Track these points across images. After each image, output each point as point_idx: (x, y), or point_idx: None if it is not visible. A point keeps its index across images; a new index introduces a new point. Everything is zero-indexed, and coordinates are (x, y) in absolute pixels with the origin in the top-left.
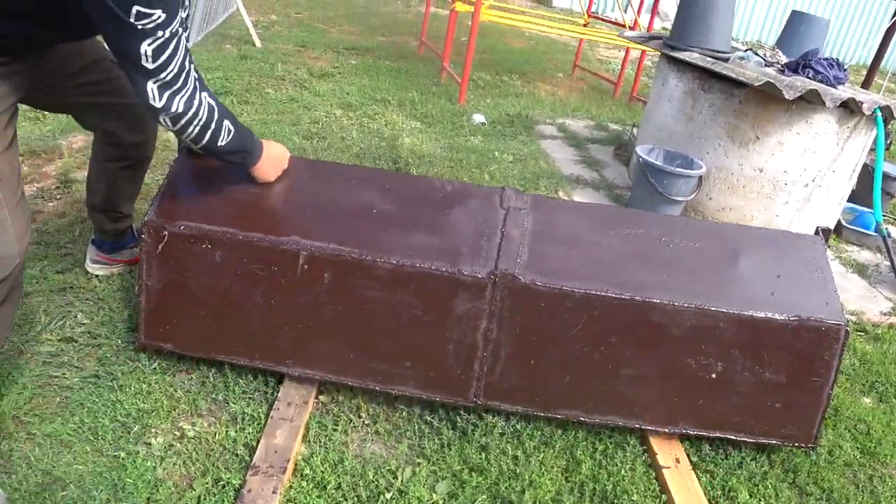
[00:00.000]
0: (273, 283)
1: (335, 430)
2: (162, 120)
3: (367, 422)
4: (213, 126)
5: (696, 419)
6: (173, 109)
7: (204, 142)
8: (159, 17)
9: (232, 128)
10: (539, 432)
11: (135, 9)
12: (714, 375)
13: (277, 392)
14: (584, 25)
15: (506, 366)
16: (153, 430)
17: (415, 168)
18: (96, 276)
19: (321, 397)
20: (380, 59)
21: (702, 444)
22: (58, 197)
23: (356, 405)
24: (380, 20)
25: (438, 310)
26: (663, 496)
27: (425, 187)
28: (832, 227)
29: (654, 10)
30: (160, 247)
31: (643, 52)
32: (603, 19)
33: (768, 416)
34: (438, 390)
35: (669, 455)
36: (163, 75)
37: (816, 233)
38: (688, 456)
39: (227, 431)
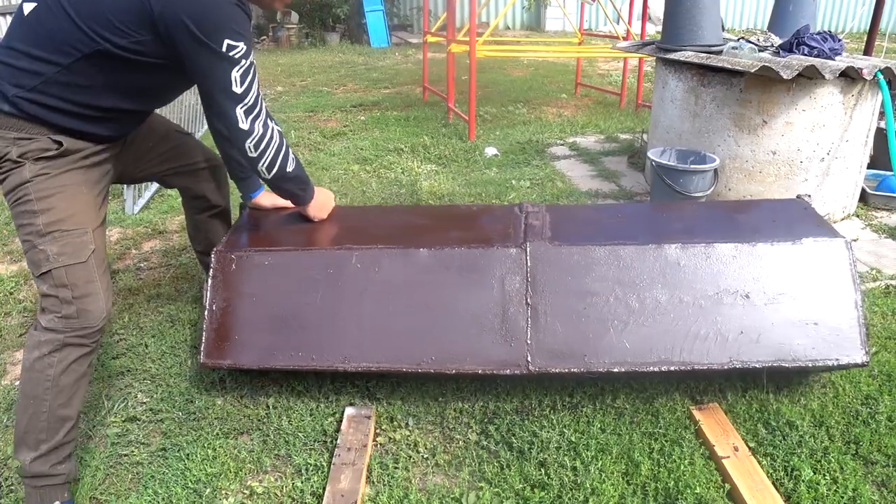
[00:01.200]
0: (328, 286)
1: (396, 467)
2: (247, 145)
3: (425, 455)
4: (283, 151)
5: (743, 350)
6: (256, 132)
7: (276, 168)
8: (242, 48)
9: (294, 157)
10: (594, 440)
11: (225, 42)
12: (742, 304)
13: (336, 440)
14: (579, 44)
15: (550, 327)
16: (223, 492)
17: None
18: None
19: (378, 439)
20: (387, 111)
21: (758, 428)
22: None
23: (413, 441)
24: (381, 73)
25: (480, 285)
26: (726, 485)
27: (453, 209)
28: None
29: (644, 16)
30: (225, 271)
31: (641, 58)
32: (596, 34)
33: (811, 336)
34: (491, 363)
35: (727, 444)
36: (247, 99)
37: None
38: (745, 442)
39: (293, 483)
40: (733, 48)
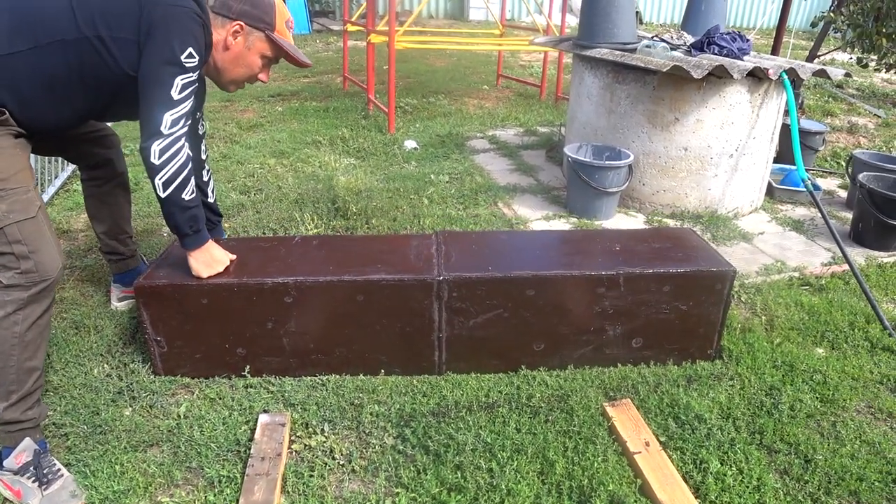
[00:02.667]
0: (259, 312)
1: (311, 476)
2: (154, 147)
3: (341, 462)
4: (184, 173)
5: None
6: (168, 140)
7: (172, 188)
8: (196, 61)
9: (195, 192)
10: (510, 441)
11: (188, 49)
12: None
13: (250, 449)
14: (500, 35)
15: (458, 339)
16: None
17: (354, 205)
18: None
19: (293, 447)
20: (306, 102)
21: (668, 422)
22: None
23: (329, 447)
24: None
25: (401, 307)
26: (638, 481)
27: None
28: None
29: (565, 7)
30: (155, 303)
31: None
32: (517, 26)
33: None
34: (412, 368)
35: (639, 440)
36: (180, 107)
37: None
38: (656, 437)
39: (205, 497)
40: (647, 47)
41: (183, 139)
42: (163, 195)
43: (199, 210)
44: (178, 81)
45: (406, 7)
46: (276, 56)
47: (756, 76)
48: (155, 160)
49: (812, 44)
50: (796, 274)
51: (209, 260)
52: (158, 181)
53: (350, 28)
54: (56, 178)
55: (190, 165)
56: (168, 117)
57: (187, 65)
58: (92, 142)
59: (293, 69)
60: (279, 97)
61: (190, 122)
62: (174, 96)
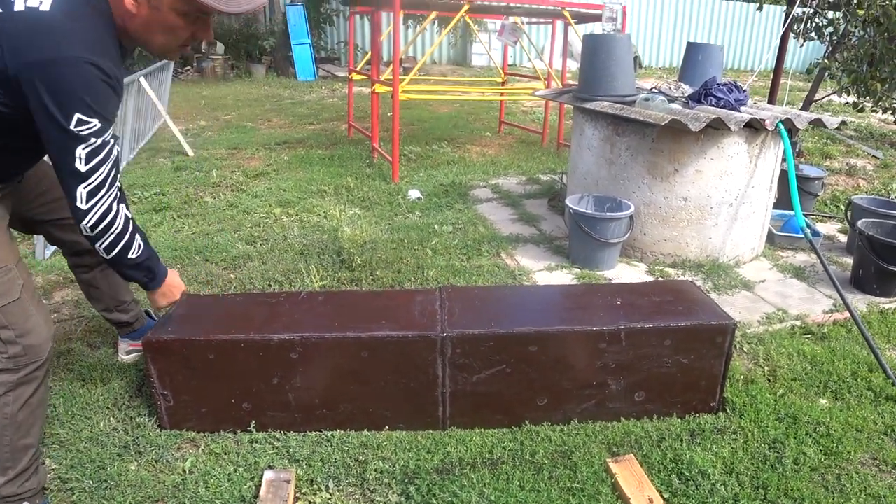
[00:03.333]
0: (266, 367)
1: None
2: (83, 226)
3: None
4: (126, 237)
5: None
6: (94, 214)
7: (115, 252)
8: (95, 125)
9: (143, 244)
10: (514, 499)
11: (76, 116)
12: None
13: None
14: (502, 83)
15: (462, 394)
16: None
17: (358, 256)
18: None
19: (298, 503)
20: (312, 149)
21: (672, 478)
22: None
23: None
24: (307, 108)
25: (405, 363)
26: None
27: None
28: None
29: (565, 54)
30: (163, 357)
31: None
32: (519, 74)
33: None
34: (416, 424)
35: (642, 497)
36: (92, 179)
37: None
38: (660, 493)
39: None
40: (645, 99)
41: (111, 204)
42: (108, 258)
43: (150, 257)
44: (80, 153)
45: (410, 54)
46: (194, 7)
47: (753, 127)
48: (89, 233)
49: (809, 85)
50: (798, 322)
51: (167, 293)
52: (99, 247)
53: (355, 77)
54: None
55: (130, 227)
56: (83, 191)
57: (82, 133)
58: (62, 228)
59: (299, 116)
60: (285, 144)
61: (115, 181)
62: (80, 168)
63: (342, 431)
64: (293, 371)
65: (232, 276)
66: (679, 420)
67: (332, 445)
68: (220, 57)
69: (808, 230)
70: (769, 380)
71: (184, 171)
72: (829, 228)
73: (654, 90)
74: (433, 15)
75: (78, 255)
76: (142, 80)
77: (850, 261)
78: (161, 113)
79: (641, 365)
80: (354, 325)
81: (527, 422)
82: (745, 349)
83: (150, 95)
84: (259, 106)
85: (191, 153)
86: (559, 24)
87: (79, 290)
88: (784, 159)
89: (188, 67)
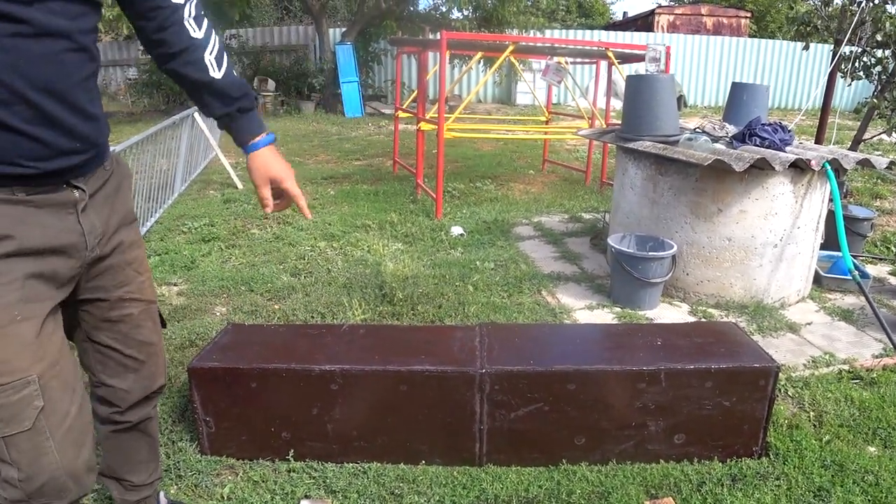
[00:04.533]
0: (306, 398)
1: None
2: (194, 17)
3: None
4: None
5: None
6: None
7: (225, 63)
8: None
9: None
10: None
11: None
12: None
13: None
14: (546, 122)
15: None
16: None
17: (400, 291)
18: None
19: None
20: (357, 185)
21: None
22: None
23: None
24: (353, 144)
25: (444, 398)
26: None
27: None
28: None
29: (609, 94)
30: (207, 384)
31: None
32: (563, 113)
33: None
34: (452, 459)
35: None
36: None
37: None
38: None
39: None
40: (689, 139)
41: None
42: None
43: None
44: None
45: (456, 92)
46: None
47: (799, 167)
48: (199, 25)
49: (858, 124)
50: (846, 366)
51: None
52: (210, 57)
53: (401, 115)
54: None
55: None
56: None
57: None
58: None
59: (346, 151)
60: (331, 179)
61: None
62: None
63: (379, 464)
64: (332, 402)
65: (276, 306)
66: (720, 464)
67: (368, 477)
68: (270, 93)
69: (856, 272)
70: (815, 425)
71: (233, 204)
72: (879, 270)
73: (697, 130)
74: (478, 55)
75: (111, 400)
76: (196, 115)
77: None
78: (213, 146)
79: (681, 407)
80: (394, 359)
81: (564, 461)
82: (789, 393)
83: (204, 129)
84: (307, 142)
85: (240, 186)
86: (603, 63)
87: None
88: (831, 199)
89: None
